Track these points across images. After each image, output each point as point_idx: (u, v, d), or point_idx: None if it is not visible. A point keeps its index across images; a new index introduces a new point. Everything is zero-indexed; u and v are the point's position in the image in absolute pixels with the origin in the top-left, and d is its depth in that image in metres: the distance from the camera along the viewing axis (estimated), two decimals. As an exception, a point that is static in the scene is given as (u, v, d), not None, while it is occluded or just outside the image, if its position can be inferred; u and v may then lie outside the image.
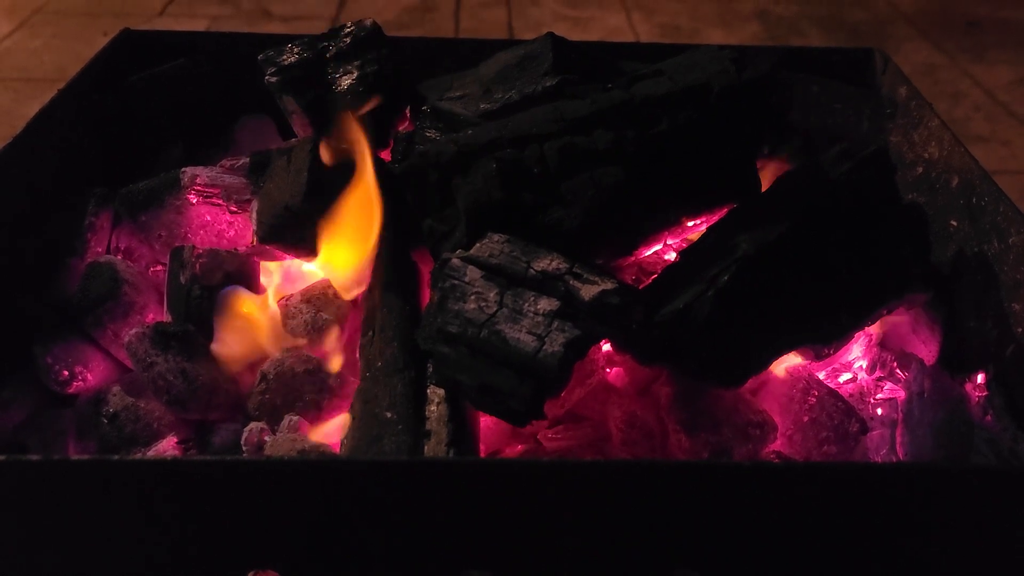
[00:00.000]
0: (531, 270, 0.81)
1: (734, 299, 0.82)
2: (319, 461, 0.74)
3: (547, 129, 0.88)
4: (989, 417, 0.91)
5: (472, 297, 0.79)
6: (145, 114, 1.20)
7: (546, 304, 0.79)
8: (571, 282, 0.81)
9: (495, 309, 0.79)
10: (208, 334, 0.93)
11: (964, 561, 0.72)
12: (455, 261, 0.81)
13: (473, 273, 0.81)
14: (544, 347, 0.76)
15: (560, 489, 0.71)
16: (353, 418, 0.82)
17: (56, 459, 0.68)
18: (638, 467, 0.71)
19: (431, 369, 0.82)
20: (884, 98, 1.19)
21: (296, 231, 0.94)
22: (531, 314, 0.78)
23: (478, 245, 0.83)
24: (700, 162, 0.89)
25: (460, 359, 0.77)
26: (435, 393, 0.82)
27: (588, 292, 0.80)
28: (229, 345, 0.92)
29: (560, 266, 0.82)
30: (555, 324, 0.78)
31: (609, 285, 0.81)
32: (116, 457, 0.68)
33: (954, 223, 1.02)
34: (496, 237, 0.84)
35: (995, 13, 2.63)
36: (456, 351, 0.78)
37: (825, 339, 0.90)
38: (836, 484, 0.69)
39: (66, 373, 0.94)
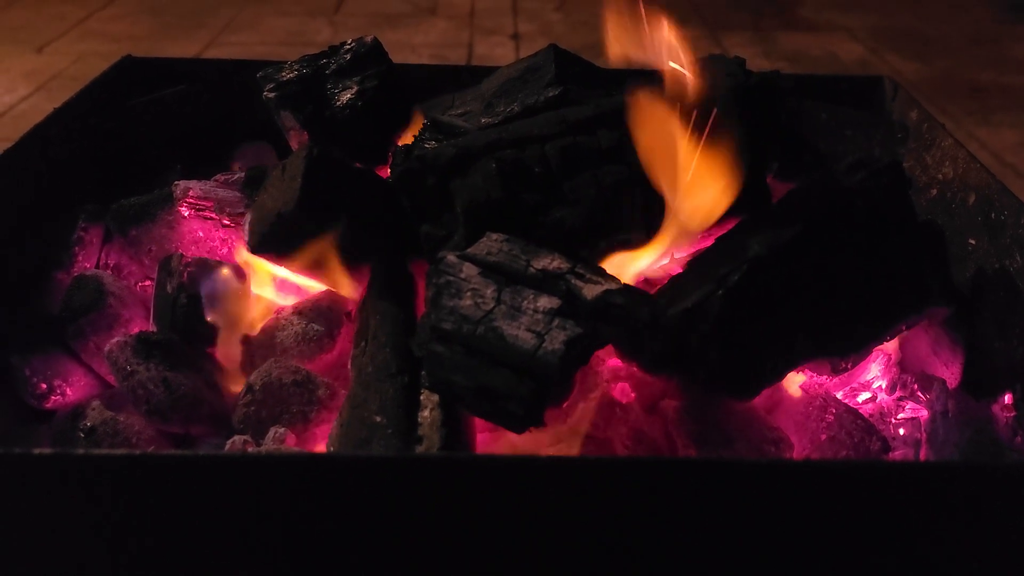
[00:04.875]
0: (531, 268, 0.77)
1: (745, 301, 0.78)
2: (296, 457, 0.69)
3: (549, 131, 0.85)
4: (1019, 438, 0.86)
5: (468, 294, 0.75)
6: (143, 138, 1.19)
7: (547, 302, 0.75)
8: (573, 281, 0.77)
9: (492, 306, 0.74)
10: (193, 345, 0.88)
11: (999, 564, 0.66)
12: (451, 258, 0.78)
13: (470, 270, 0.77)
14: (544, 345, 0.72)
15: (559, 490, 0.65)
16: (340, 424, 0.77)
17: (16, 453, 0.62)
18: (644, 464, 0.66)
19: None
20: (895, 124, 1.16)
21: (289, 241, 0.90)
22: (530, 311, 0.74)
23: (476, 244, 0.80)
24: (707, 167, 0.86)
25: (455, 359, 0.73)
26: (429, 399, 0.77)
27: (591, 291, 0.76)
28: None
29: (562, 265, 0.78)
30: (556, 322, 0.73)
31: (613, 285, 0.77)
32: (80, 451, 0.63)
33: (972, 242, 0.98)
34: (495, 236, 0.80)
35: (999, 79, 2.65)
36: (451, 350, 0.73)
37: (842, 352, 0.85)
38: (858, 484, 0.64)
39: (44, 386, 0.89)
